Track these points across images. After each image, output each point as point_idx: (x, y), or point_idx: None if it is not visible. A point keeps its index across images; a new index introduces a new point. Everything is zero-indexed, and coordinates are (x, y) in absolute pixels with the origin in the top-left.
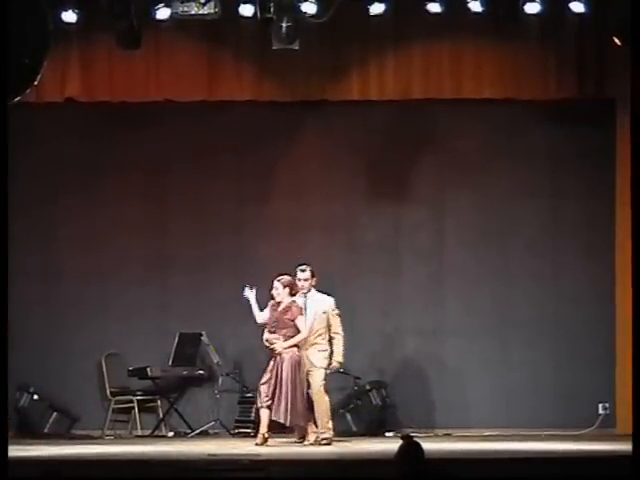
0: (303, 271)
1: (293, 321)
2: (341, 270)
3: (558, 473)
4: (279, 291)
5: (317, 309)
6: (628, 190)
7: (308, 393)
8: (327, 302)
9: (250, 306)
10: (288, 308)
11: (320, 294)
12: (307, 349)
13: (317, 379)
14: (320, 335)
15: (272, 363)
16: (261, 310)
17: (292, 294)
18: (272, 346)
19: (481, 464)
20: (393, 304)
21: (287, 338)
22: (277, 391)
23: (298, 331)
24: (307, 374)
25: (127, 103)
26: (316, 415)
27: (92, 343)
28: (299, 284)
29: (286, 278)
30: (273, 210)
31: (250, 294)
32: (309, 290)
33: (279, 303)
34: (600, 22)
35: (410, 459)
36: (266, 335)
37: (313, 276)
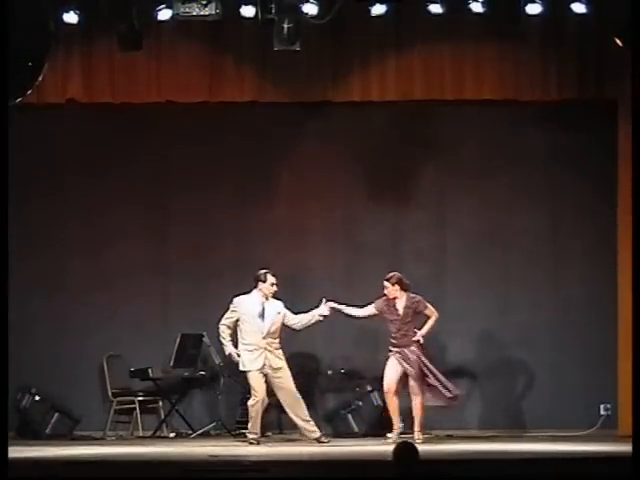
0: (275, 276)
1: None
2: (342, 273)
3: (559, 474)
4: (389, 289)
5: (273, 311)
6: (630, 192)
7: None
8: (278, 305)
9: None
10: (417, 302)
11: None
12: (271, 351)
13: (291, 380)
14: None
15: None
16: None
17: (403, 289)
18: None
19: (482, 465)
20: None
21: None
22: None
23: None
24: (276, 377)
25: (128, 104)
26: (305, 415)
27: (94, 344)
28: (272, 288)
29: (395, 275)
30: (273, 213)
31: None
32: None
33: (394, 299)
34: (601, 23)
35: (405, 461)
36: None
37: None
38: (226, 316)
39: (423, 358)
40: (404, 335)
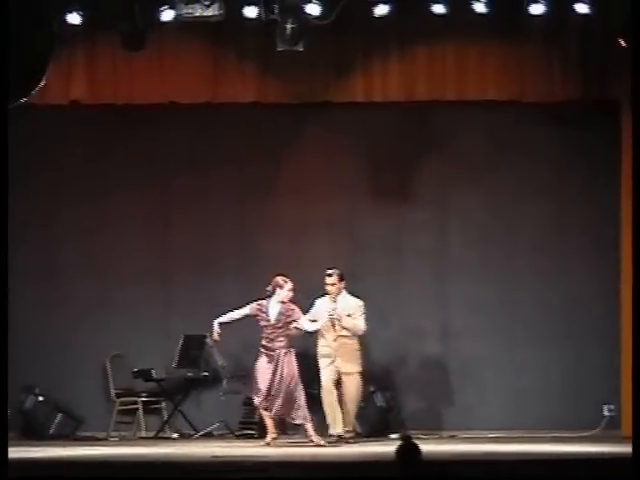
0: (330, 275)
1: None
2: (345, 270)
3: (563, 475)
4: (286, 294)
5: (343, 312)
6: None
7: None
8: (353, 305)
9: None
10: (292, 310)
11: (350, 296)
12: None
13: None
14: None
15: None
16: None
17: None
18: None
19: (486, 466)
20: (397, 304)
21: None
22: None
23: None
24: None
25: (131, 105)
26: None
27: (97, 345)
28: (326, 288)
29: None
30: (277, 211)
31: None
32: (338, 294)
33: (267, 304)
34: (604, 23)
35: (407, 460)
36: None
37: (341, 280)
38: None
39: (284, 369)
40: (272, 340)
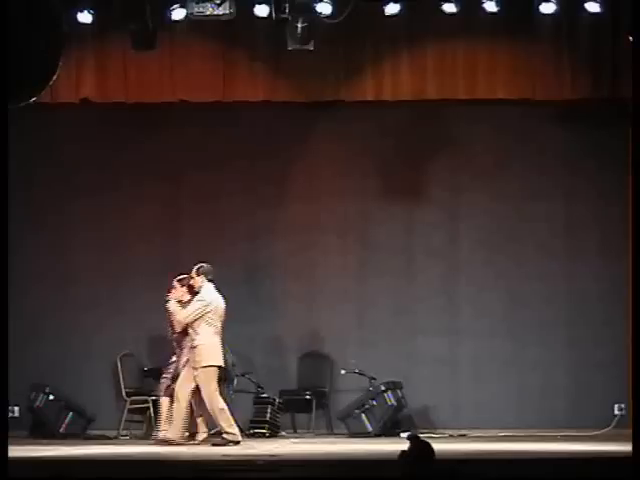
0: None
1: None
2: (355, 271)
3: (574, 474)
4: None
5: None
6: None
7: None
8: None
9: None
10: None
11: (207, 292)
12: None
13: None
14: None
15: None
16: None
17: (190, 293)
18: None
19: (496, 465)
20: (407, 305)
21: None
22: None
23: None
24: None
25: (142, 104)
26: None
27: (108, 344)
28: None
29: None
30: (287, 210)
31: None
32: (199, 286)
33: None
34: (615, 22)
35: (421, 458)
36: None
37: (198, 274)
38: None
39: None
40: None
